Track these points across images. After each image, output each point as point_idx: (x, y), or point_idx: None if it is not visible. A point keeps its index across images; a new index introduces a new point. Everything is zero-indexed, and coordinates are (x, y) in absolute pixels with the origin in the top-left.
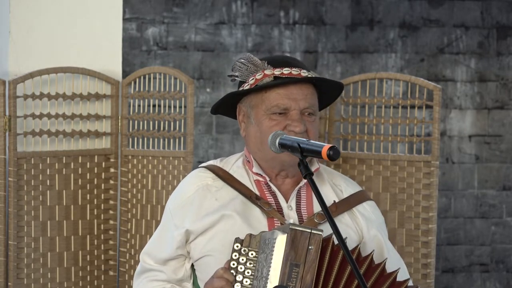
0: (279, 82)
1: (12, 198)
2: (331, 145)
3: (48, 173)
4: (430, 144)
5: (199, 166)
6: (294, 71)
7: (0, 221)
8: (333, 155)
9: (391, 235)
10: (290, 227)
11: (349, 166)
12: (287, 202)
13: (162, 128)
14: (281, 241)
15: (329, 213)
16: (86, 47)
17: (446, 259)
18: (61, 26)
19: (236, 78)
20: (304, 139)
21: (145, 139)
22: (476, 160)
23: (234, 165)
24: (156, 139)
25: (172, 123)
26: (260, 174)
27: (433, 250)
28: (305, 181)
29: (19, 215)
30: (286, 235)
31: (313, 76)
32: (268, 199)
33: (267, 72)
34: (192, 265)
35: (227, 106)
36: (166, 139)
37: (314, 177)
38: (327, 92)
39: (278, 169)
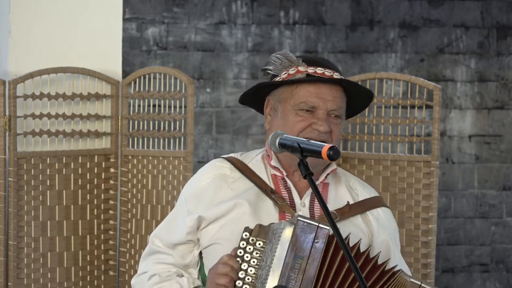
0: (311, 79)
1: (12, 198)
2: (331, 145)
3: (48, 173)
4: (430, 144)
5: (220, 156)
6: (327, 72)
7: (0, 221)
8: (333, 155)
9: None
10: (298, 218)
11: (349, 166)
12: (301, 199)
13: (162, 128)
14: (288, 232)
15: (326, 208)
16: (86, 47)
17: (446, 259)
18: (61, 26)
19: (269, 71)
20: (304, 139)
21: (145, 139)
22: (476, 160)
23: (254, 159)
24: (156, 139)
25: (172, 123)
26: (277, 168)
27: (433, 250)
28: (320, 180)
29: (19, 215)
30: (293, 226)
31: (345, 79)
32: (283, 194)
33: (301, 68)
34: (200, 253)
35: (256, 98)
36: (166, 139)
37: (330, 178)
38: (355, 99)
39: (295, 167)
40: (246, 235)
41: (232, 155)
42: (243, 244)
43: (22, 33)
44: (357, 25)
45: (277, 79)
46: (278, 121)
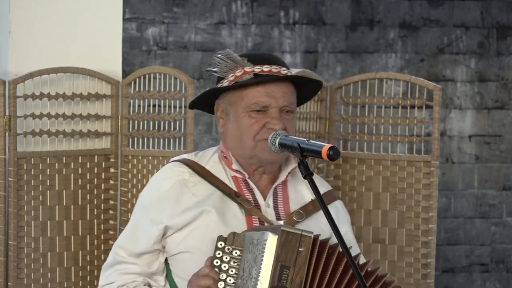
0: (259, 80)
1: (12, 198)
2: (331, 145)
3: (48, 173)
4: (430, 144)
5: (172, 160)
6: (274, 69)
7: (0, 221)
8: (333, 155)
9: (391, 235)
10: (281, 229)
11: (349, 166)
12: (264, 199)
13: (162, 128)
14: (271, 243)
15: (327, 209)
16: (86, 47)
17: (446, 259)
18: (61, 26)
19: (214, 73)
20: (304, 139)
21: (145, 139)
22: (476, 160)
23: (210, 160)
24: (156, 139)
25: (172, 123)
26: (239, 171)
27: (433, 250)
28: (282, 179)
29: (19, 215)
30: (276, 236)
31: (293, 74)
32: (246, 196)
33: (247, 69)
34: (166, 259)
35: (205, 102)
36: (166, 139)
37: (290, 177)
38: (305, 88)
39: (257, 165)
40: (221, 244)
41: (185, 156)
42: (219, 253)
43: (22, 33)
44: (357, 25)
45: (224, 81)
46: (231, 125)
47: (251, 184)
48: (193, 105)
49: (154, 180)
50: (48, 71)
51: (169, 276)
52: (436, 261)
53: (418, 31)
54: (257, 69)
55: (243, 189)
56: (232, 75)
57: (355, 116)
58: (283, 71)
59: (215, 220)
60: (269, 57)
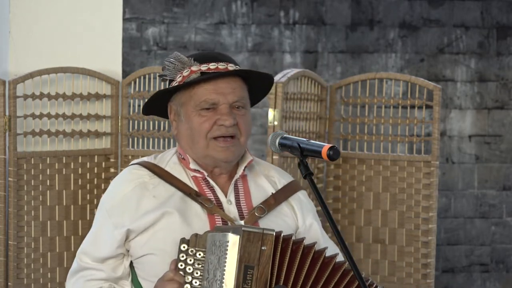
0: (205, 77)
1: (12, 198)
2: (331, 145)
3: (48, 173)
4: (430, 144)
5: (131, 163)
6: (221, 66)
7: (0, 221)
8: (333, 155)
9: (391, 235)
10: (242, 229)
11: (349, 166)
12: (226, 196)
13: (162, 128)
14: (233, 244)
15: (325, 206)
16: (86, 47)
17: (446, 259)
18: (61, 26)
19: (164, 77)
20: (304, 139)
21: (145, 139)
22: (476, 160)
23: (170, 161)
24: (156, 139)
25: None
26: (197, 170)
27: (433, 250)
28: (239, 173)
29: (19, 215)
30: (238, 237)
31: (240, 68)
32: (208, 195)
33: (194, 68)
34: (131, 263)
35: (160, 107)
36: (166, 139)
37: (247, 171)
38: (257, 85)
39: (212, 166)
40: (184, 247)
41: (145, 159)
42: (182, 256)
43: (22, 33)
44: (357, 25)
45: (174, 83)
46: (183, 126)
47: (211, 182)
48: (145, 111)
49: (114, 184)
50: (48, 71)
51: (134, 280)
52: (436, 261)
53: (418, 31)
54: (203, 67)
55: (204, 188)
56: (180, 76)
57: (355, 116)
58: (231, 67)
59: (178, 221)
60: (216, 55)
